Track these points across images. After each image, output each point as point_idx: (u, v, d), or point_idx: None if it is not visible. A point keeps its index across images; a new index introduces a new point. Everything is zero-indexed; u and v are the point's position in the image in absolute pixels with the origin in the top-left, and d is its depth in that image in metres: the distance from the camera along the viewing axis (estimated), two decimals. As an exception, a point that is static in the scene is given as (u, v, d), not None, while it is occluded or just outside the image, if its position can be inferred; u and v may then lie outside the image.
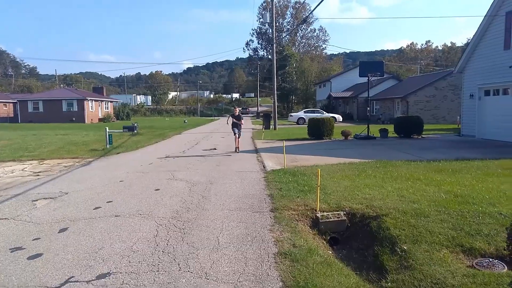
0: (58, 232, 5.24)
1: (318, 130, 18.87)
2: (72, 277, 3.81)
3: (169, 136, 23.08)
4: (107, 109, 53.70)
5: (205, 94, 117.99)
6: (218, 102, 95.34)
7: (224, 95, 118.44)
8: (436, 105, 34.37)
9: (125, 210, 6.34)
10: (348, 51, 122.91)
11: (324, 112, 38.10)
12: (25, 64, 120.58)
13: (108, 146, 16.08)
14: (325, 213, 5.80)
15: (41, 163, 12.59)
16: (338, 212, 5.81)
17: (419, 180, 7.66)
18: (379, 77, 26.81)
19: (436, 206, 5.64)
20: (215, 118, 58.11)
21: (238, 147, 14.66)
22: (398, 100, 36.46)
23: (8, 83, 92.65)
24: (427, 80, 36.85)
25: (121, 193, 7.65)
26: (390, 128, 20.31)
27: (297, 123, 36.92)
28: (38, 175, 10.18)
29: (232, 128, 14.81)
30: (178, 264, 4.08)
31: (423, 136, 19.19)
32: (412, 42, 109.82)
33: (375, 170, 9.12)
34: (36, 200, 7.21)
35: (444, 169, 8.91)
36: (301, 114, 39.10)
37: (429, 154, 12.23)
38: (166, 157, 13.34)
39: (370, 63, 22.34)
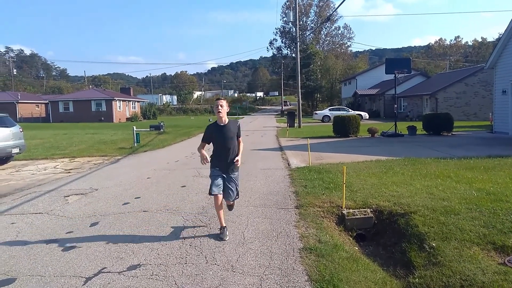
0: (90, 226, 5.42)
1: (343, 127, 18.67)
2: (105, 268, 3.94)
3: (194, 135, 23.36)
4: (134, 108, 54.87)
5: (229, 93, 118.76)
6: (242, 101, 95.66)
7: (248, 94, 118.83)
8: (466, 101, 33.33)
9: (152, 205, 6.49)
10: (374, 48, 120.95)
11: (350, 110, 37.64)
12: (56, 66, 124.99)
13: (135, 145, 16.45)
14: (351, 210, 5.75)
15: (72, 160, 13.02)
16: (364, 209, 5.74)
17: (449, 178, 7.47)
18: (406, 74, 26.25)
19: (467, 204, 5.49)
20: (239, 116, 58.30)
21: (224, 226, 4.90)
22: (426, 97, 35.58)
23: (40, 85, 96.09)
24: (457, 76, 35.77)
25: (149, 190, 7.82)
26: (419, 125, 19.86)
27: (322, 121, 36.62)
28: (69, 172, 10.53)
29: (211, 166, 4.85)
30: (205, 257, 4.15)
31: (453, 133, 18.68)
32: (441, 38, 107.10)
33: (403, 167, 8.95)
34: (68, 196, 7.47)
35: (475, 167, 8.65)
36: (326, 112, 38.75)
37: (460, 151, 11.89)
38: (192, 154, 13.52)
39: (397, 60, 21.93)
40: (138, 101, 58.00)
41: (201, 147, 4.72)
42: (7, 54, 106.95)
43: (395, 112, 20.73)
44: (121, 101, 50.26)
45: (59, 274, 3.83)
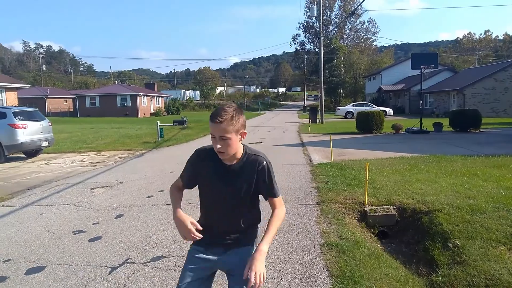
0: (115, 218, 5.57)
1: (367, 123, 18.41)
2: (129, 258, 4.05)
3: (216, 130, 23.50)
4: (158, 104, 55.71)
5: (252, 89, 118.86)
6: (265, 97, 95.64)
7: (270, 90, 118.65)
8: (496, 97, 32.25)
9: (175, 199, 6.60)
10: (399, 43, 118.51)
11: (374, 106, 37.05)
12: (83, 62, 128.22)
13: (159, 139, 16.72)
14: (373, 207, 5.69)
15: (98, 154, 13.36)
16: (387, 206, 5.67)
17: (476, 176, 7.28)
18: (432, 69, 25.60)
19: (494, 203, 5.35)
20: (261, 112, 58.39)
21: None
22: (453, 93, 34.62)
23: (68, 80, 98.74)
24: (486, 71, 34.62)
25: (171, 183, 7.94)
26: (445, 122, 19.37)
27: (345, 117, 36.21)
28: (95, 166, 10.82)
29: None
30: (226, 251, 4.20)
31: (481, 130, 18.13)
32: (470, 32, 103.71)
33: (428, 164, 8.77)
34: (94, 188, 7.69)
35: (504, 165, 8.38)
36: (349, 107, 38.31)
37: (488, 148, 11.54)
38: (214, 150, 13.63)
39: (423, 55, 21.40)
40: (162, 97, 58.84)
41: (174, 189, 2.20)
42: (37, 50, 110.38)
43: (420, 108, 20.28)
44: (145, 96, 51.11)
45: (86, 263, 3.97)
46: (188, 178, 2.14)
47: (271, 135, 19.65)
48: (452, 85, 36.08)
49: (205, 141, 17.26)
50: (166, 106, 56.79)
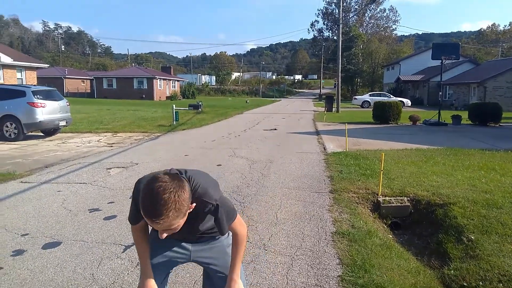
0: (130, 198, 5.64)
1: (384, 114, 18.17)
2: (142, 238, 4.12)
3: (231, 115, 23.56)
4: (174, 87, 55.90)
5: (268, 75, 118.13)
6: (280, 84, 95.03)
7: (287, 77, 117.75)
8: (518, 91, 31.35)
9: (189, 182, 6.65)
10: (420, 33, 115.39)
11: (391, 96, 36.51)
12: (101, 43, 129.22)
13: (174, 123, 16.82)
14: (387, 198, 5.64)
15: (114, 135, 13.53)
16: (401, 198, 5.62)
17: (494, 170, 7.13)
18: (453, 60, 24.97)
19: (511, 198, 5.24)
20: (276, 99, 58.14)
21: None
22: (474, 85, 33.79)
23: (86, 61, 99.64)
24: (509, 64, 33.60)
25: (185, 167, 7.93)
26: (464, 114, 18.98)
27: (362, 106, 35.78)
28: (111, 146, 10.96)
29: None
30: (238, 235, 4.24)
31: (501, 124, 17.71)
32: (494, 23, 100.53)
33: (444, 157, 8.63)
34: (110, 169, 7.81)
35: (523, 160, 8.19)
36: (366, 97, 37.80)
37: (507, 143, 11.28)
38: (228, 135, 13.67)
39: (445, 45, 20.84)
40: (178, 80, 58.99)
41: (138, 238, 1.89)
42: (56, 31, 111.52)
43: (439, 100, 19.89)
44: (161, 80, 51.31)
45: (101, 241, 4.05)
46: (138, 218, 1.77)
47: (285, 122, 19.57)
48: (473, 77, 35.20)
49: (220, 126, 17.33)
50: (182, 90, 56.97)
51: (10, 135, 11.59)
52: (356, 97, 40.85)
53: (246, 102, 44.83)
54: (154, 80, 48.98)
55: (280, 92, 77.07)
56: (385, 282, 3.14)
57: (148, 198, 1.46)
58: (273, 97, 62.87)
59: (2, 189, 6.09)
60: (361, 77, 70.72)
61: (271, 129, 15.71)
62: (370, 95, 37.90)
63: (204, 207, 1.72)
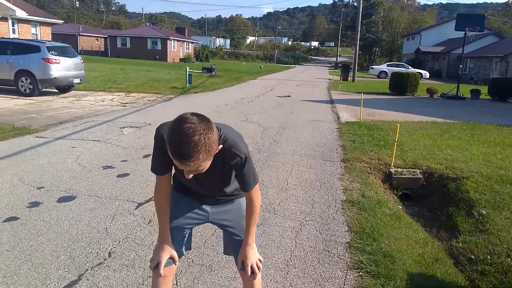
0: (143, 157, 5.72)
1: (401, 85, 17.77)
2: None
3: (244, 80, 23.32)
4: (188, 49, 55.22)
5: (283, 41, 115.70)
6: (296, 50, 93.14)
7: (303, 43, 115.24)
8: (543, 68, 30.24)
9: (201, 144, 6.68)
10: (444, 2, 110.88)
11: (410, 67, 35.53)
12: (115, 1, 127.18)
13: (187, 85, 16.73)
14: (399, 169, 5.60)
15: (127, 95, 13.54)
16: (413, 170, 5.58)
17: (510, 147, 7.00)
18: (477, 33, 24.00)
19: (526, 175, 5.16)
20: (291, 66, 57.18)
21: None
22: (496, 59, 32.65)
23: (100, 19, 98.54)
24: (537, 38, 32.23)
25: (198, 129, 8.02)
26: (483, 89, 18.47)
27: (378, 76, 35.01)
28: (124, 106, 11.00)
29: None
30: (248, 198, 4.28)
31: (521, 101, 17.24)
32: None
33: (460, 131, 8.48)
34: (124, 128, 7.86)
35: (541, 138, 8.01)
36: (383, 67, 36.91)
37: (526, 121, 11.02)
38: (241, 100, 13.58)
39: (470, 16, 19.99)
40: (192, 42, 58.18)
41: (161, 195, 1.87)
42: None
43: (459, 73, 19.34)
44: (175, 41, 50.65)
45: (114, 197, 4.13)
46: (162, 167, 1.77)
47: (299, 89, 19.32)
48: (496, 51, 33.94)
49: (233, 91, 17.19)
50: (196, 52, 56.27)
51: (25, 90, 11.67)
52: (373, 66, 39.93)
53: (260, 67, 44.21)
54: (168, 41, 48.37)
55: (296, 59, 75.69)
56: (393, 251, 3.16)
57: (177, 139, 1.41)
58: (288, 64, 61.83)
59: (18, 143, 6.20)
60: (380, 47, 68.83)
61: (285, 96, 15.55)
62: (388, 65, 36.97)
63: (232, 159, 1.67)
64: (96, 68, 24.73)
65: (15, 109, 9.52)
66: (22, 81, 11.63)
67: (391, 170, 5.57)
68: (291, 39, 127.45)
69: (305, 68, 52.73)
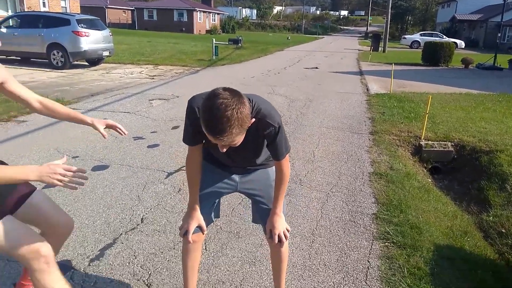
0: (171, 129, 5.83)
1: (434, 55, 17.07)
2: (184, 166, 4.29)
3: (271, 52, 23.00)
4: (214, 21, 54.70)
5: (311, 10, 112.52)
6: (324, 20, 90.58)
7: (331, 12, 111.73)
8: None
9: (228, 116, 6.72)
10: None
11: (444, 36, 33.97)
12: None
13: (214, 58, 16.68)
14: (429, 142, 5.48)
15: (155, 67, 13.67)
16: (445, 142, 5.44)
17: (550, 120, 6.69)
18: (520, -2, 22.51)
19: None
20: (319, 36, 55.73)
21: None
22: (539, 27, 30.67)
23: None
24: None
25: (225, 101, 8.06)
26: (523, 59, 17.49)
27: (410, 46, 33.74)
28: (153, 78, 11.13)
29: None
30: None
31: None
32: None
33: (496, 103, 8.15)
34: (152, 100, 7.99)
35: None
36: (416, 36, 35.45)
37: None
38: (268, 71, 13.45)
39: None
40: (218, 14, 57.52)
41: (192, 165, 1.90)
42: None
43: (497, 42, 18.34)
44: (201, 12, 50.20)
45: (145, 166, 4.27)
46: (193, 138, 1.78)
47: (327, 61, 18.91)
48: (540, 18, 31.82)
49: (259, 63, 17.03)
50: (222, 24, 55.68)
51: (57, 63, 11.97)
52: (405, 36, 38.40)
53: (287, 38, 43.37)
54: (194, 13, 48.01)
55: (324, 29, 73.71)
56: (420, 223, 3.15)
57: (210, 114, 1.42)
58: (316, 34, 60.29)
59: (53, 114, 6.43)
60: (413, 15, 65.84)
61: (312, 68, 15.28)
62: (421, 35, 35.44)
63: (266, 129, 1.68)
64: (124, 41, 24.95)
65: (49, 82, 9.81)
66: (54, 54, 11.92)
67: (421, 143, 5.46)
68: (319, 8, 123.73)
69: (334, 38, 51.35)
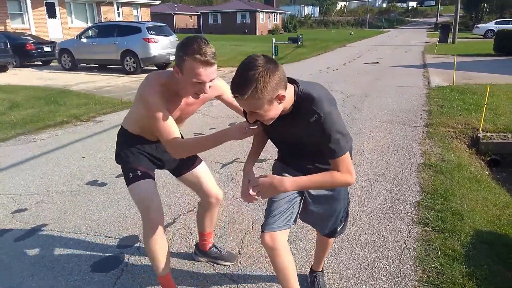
0: (228, 125, 6.25)
1: (507, 44, 15.85)
2: (237, 158, 4.67)
3: (331, 49, 22.84)
4: (276, 21, 55.19)
5: (377, 3, 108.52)
6: (391, 13, 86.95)
7: (399, 4, 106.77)
8: None
9: (283, 112, 7.00)
10: None
11: (524, 23, 31.13)
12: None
13: (273, 57, 16.99)
14: (488, 134, 5.31)
15: (217, 69, 14.32)
16: (505, 134, 5.24)
17: None
18: None
19: None
20: (384, 30, 53.80)
21: None
22: None
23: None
24: None
25: (281, 98, 8.35)
26: None
27: (484, 36, 31.35)
28: (215, 79, 11.73)
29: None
30: (323, 160, 4.51)
31: None
32: None
33: None
34: (213, 99, 8.50)
35: None
36: (491, 25, 32.84)
37: None
38: (326, 68, 13.50)
39: None
40: (280, 13, 57.94)
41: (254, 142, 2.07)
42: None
43: None
44: (263, 13, 50.94)
45: (203, 158, 4.59)
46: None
47: (390, 55, 18.39)
48: None
49: (318, 60, 17.07)
50: (284, 23, 55.99)
51: (130, 68, 13.08)
52: (478, 25, 35.71)
53: (350, 34, 42.45)
54: (257, 14, 48.86)
55: (390, 22, 70.86)
56: (464, 210, 3.18)
57: (237, 71, 1.48)
58: (381, 28, 58.24)
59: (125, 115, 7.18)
60: (489, 2, 60.87)
61: (373, 63, 15.00)
62: (496, 23, 32.75)
63: (310, 115, 1.57)
64: (190, 45, 26.22)
65: (122, 86, 10.80)
66: (127, 60, 13.04)
67: (478, 134, 5.30)
68: (386, 1, 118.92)
69: (400, 31, 49.28)
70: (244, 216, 3.29)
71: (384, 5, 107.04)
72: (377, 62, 15.06)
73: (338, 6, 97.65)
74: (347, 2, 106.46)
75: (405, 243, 2.81)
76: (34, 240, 2.93)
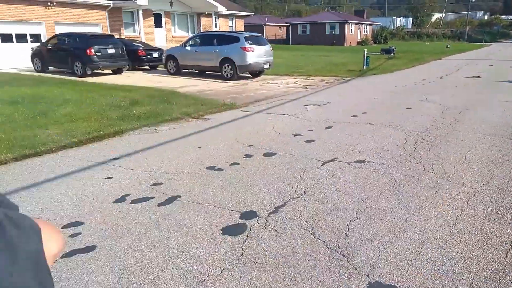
0: (325, 129, 6.57)
1: None
2: (337, 158, 4.98)
3: (426, 61, 21.97)
4: (366, 32, 54.20)
5: (477, 16, 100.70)
6: (493, 25, 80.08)
7: (503, 16, 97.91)
8: None
9: (377, 120, 7.14)
10: None
11: None
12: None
13: (364, 68, 16.97)
14: None
15: (308, 78, 14.74)
16: None
17: None
18: None
19: None
20: (485, 44, 49.85)
21: None
22: None
23: (283, 8, 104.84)
24: None
25: (374, 107, 8.47)
26: None
27: None
28: (306, 88, 12.15)
29: None
30: (423, 166, 4.63)
31: None
32: None
33: None
34: (307, 105, 8.91)
35: None
36: None
37: None
38: (422, 80, 13.15)
39: None
40: (370, 24, 56.81)
41: None
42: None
43: None
44: (353, 24, 50.41)
45: (304, 155, 5.09)
46: None
47: (492, 69, 17.21)
48: None
49: (412, 72, 16.63)
50: (374, 34, 54.73)
51: (227, 75, 14.06)
52: None
53: (447, 47, 40.06)
54: (346, 25, 48.53)
55: (492, 35, 65.43)
56: None
57: None
58: (482, 41, 54.03)
59: (230, 115, 7.90)
60: None
61: (473, 76, 14.23)
62: None
63: None
64: (280, 55, 27.07)
65: (221, 90, 11.71)
66: (225, 68, 14.04)
67: None
68: (488, 13, 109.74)
69: (504, 45, 45.33)
70: (348, 206, 3.59)
71: (486, 17, 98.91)
72: (478, 76, 14.25)
73: (434, 18, 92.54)
74: (444, 14, 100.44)
75: (511, 245, 2.89)
76: (173, 206, 3.56)
